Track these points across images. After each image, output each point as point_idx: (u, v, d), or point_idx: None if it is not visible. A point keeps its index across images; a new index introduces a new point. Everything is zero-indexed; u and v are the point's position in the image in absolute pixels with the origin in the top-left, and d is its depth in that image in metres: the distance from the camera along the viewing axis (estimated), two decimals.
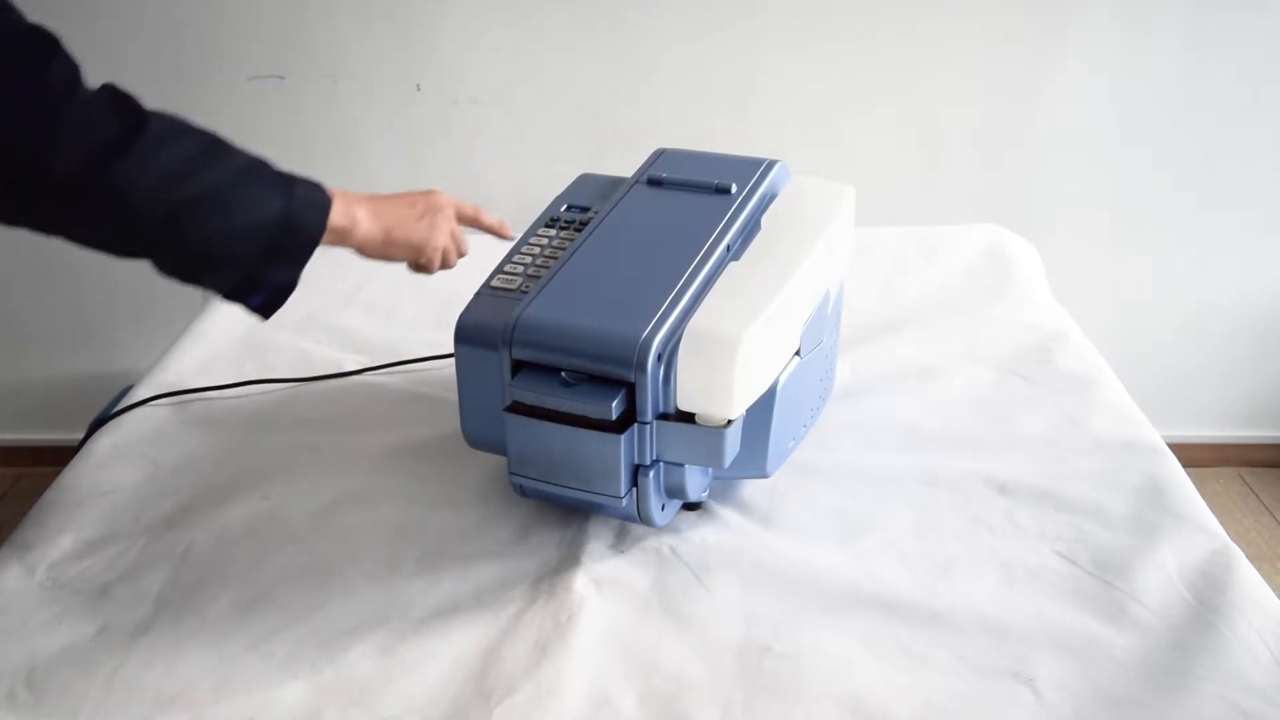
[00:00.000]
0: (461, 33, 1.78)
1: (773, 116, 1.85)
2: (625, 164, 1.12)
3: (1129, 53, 1.80)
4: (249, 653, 0.84)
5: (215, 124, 0.83)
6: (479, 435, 0.98)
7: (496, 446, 0.96)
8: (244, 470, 1.08)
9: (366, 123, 1.85)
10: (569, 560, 0.93)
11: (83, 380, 2.07)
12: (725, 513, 0.99)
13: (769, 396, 0.92)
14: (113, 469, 1.09)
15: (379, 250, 0.95)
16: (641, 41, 1.79)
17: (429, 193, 0.99)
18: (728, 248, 0.95)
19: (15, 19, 0.73)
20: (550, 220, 1.04)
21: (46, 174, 0.73)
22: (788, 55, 1.80)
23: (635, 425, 0.87)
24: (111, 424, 1.17)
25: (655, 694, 0.79)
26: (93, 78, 0.76)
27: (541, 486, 0.93)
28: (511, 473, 0.94)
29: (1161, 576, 0.89)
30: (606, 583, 0.91)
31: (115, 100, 0.77)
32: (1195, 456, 1.91)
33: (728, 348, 0.84)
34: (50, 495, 1.05)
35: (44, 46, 0.73)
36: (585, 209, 1.04)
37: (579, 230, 1.01)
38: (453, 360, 0.95)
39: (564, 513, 0.99)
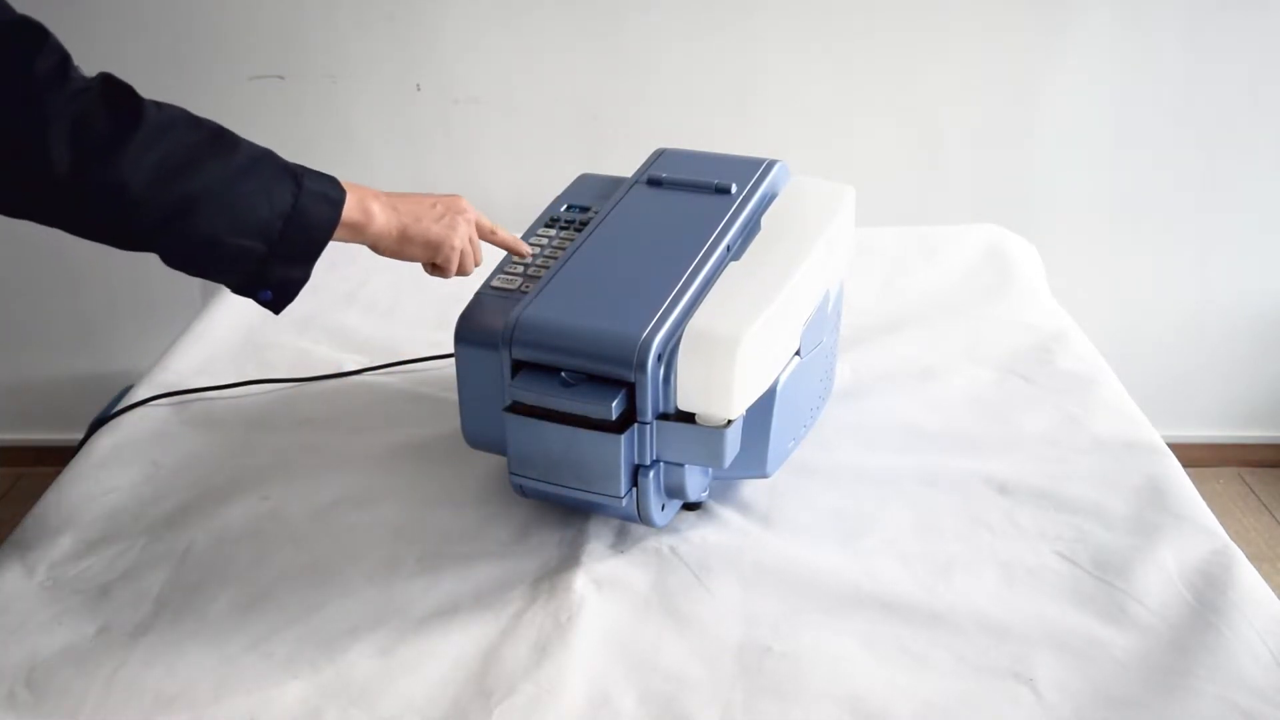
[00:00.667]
0: (461, 33, 1.78)
1: (773, 116, 1.85)
2: (625, 164, 1.12)
3: (1129, 53, 1.79)
4: (249, 653, 0.84)
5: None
6: (479, 435, 0.98)
7: (496, 446, 0.96)
8: (244, 470, 1.08)
9: (366, 123, 1.85)
10: (569, 560, 0.93)
11: (83, 380, 2.07)
12: (725, 513, 0.99)
13: (769, 396, 0.92)
14: (113, 469, 1.09)
15: (394, 247, 0.92)
16: (641, 41, 1.79)
17: (451, 195, 0.97)
18: (728, 248, 0.95)
19: (1, 9, 0.72)
20: (550, 220, 1.04)
21: (40, 168, 0.71)
22: (788, 55, 1.80)
23: (635, 425, 0.87)
24: (111, 424, 1.17)
25: (655, 694, 0.79)
26: (92, 74, 0.76)
27: (541, 486, 0.93)
28: (511, 473, 0.94)
29: (1161, 576, 0.89)
30: (606, 583, 0.91)
31: (109, 91, 0.75)
32: (1195, 456, 1.91)
33: (728, 348, 0.84)
34: (50, 495, 1.05)
35: (32, 38, 0.72)
36: (585, 209, 1.04)
37: (579, 230, 1.01)
38: (453, 360, 0.95)
39: (564, 513, 0.99)
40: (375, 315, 1.43)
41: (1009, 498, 1.01)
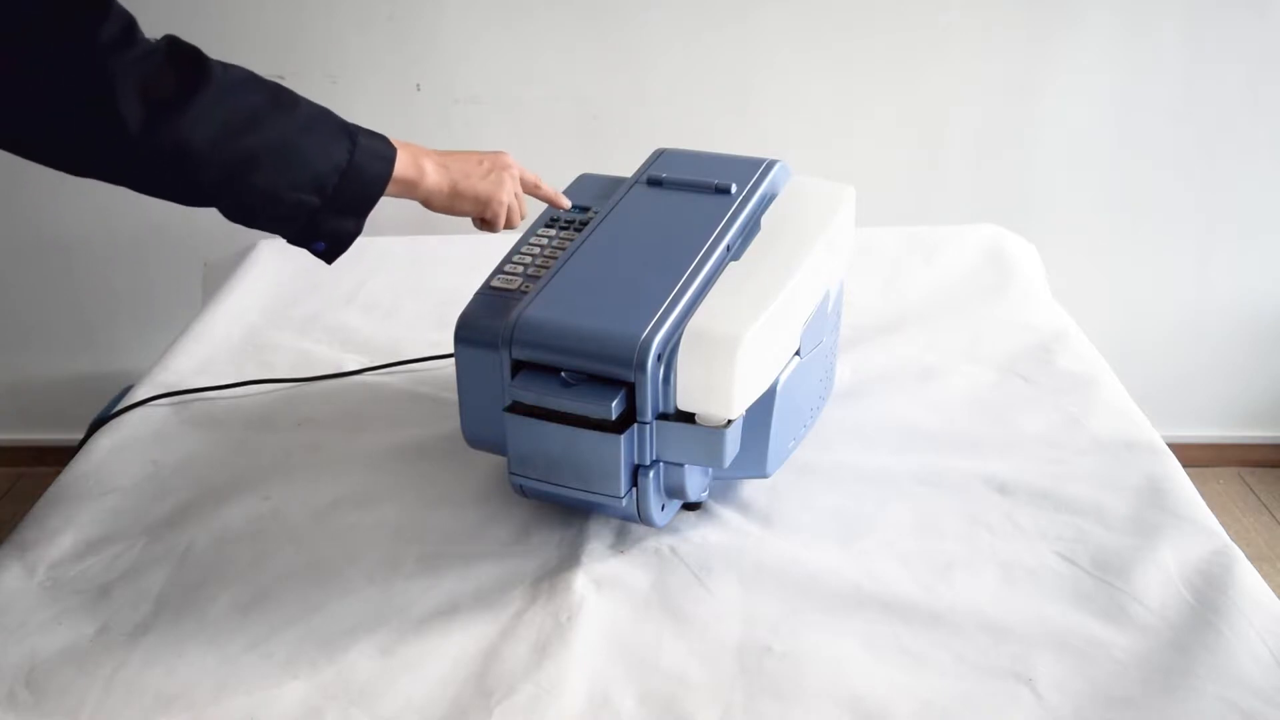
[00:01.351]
0: (461, 33, 1.78)
1: (773, 116, 1.85)
2: (625, 164, 1.12)
3: (1129, 53, 1.79)
4: (249, 653, 0.84)
5: None
6: (479, 435, 0.98)
7: (496, 446, 0.96)
8: (244, 470, 1.08)
9: (366, 123, 1.83)
10: (569, 560, 0.93)
11: (83, 380, 2.07)
12: (725, 513, 0.99)
13: (769, 396, 0.92)
14: (113, 469, 1.09)
15: (446, 202, 0.95)
16: (641, 41, 1.79)
17: (497, 152, 1.01)
18: (728, 248, 0.95)
19: None
20: (550, 220, 1.04)
21: (111, 128, 0.73)
22: (788, 55, 1.80)
23: (635, 425, 0.87)
24: (111, 424, 1.17)
25: (655, 694, 0.79)
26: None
27: (541, 486, 0.93)
28: (511, 473, 0.94)
29: (1161, 576, 0.89)
30: (606, 583, 0.91)
31: (174, 53, 0.77)
32: (1195, 456, 1.92)
33: (728, 348, 0.84)
34: (50, 495, 1.05)
35: (95, 4, 0.74)
36: (585, 209, 1.04)
37: (579, 230, 1.01)
38: (453, 360, 0.95)
39: (564, 513, 0.99)
40: (375, 315, 1.43)
41: (1009, 498, 1.01)
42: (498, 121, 1.85)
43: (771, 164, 1.04)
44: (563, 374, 0.88)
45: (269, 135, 0.80)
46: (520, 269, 0.98)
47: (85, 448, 1.14)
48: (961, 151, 1.88)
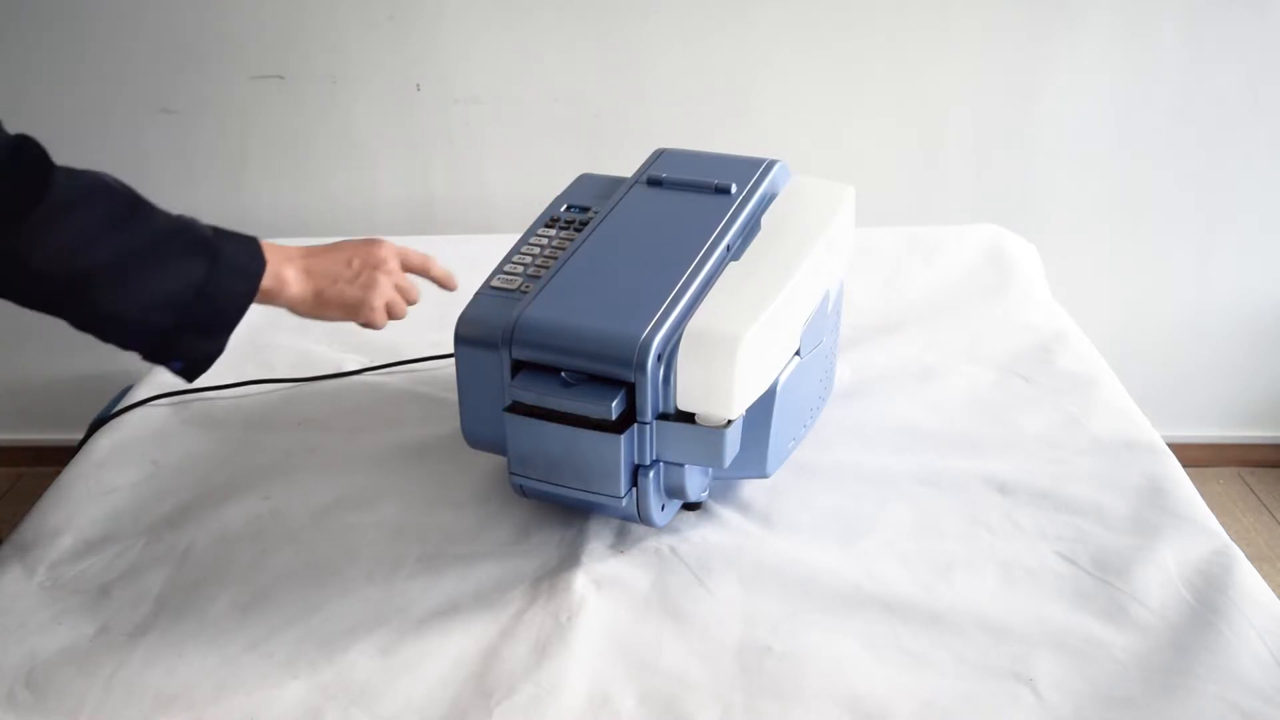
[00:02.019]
0: (461, 33, 1.78)
1: (773, 116, 1.85)
2: (625, 164, 1.12)
3: (1129, 53, 1.79)
4: (249, 653, 0.84)
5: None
6: (479, 435, 0.98)
7: (496, 446, 0.96)
8: (244, 470, 1.08)
9: (367, 123, 1.84)
10: (569, 560, 0.93)
11: (83, 380, 2.07)
12: (725, 513, 0.99)
13: (769, 396, 0.92)
14: (113, 469, 1.09)
15: (312, 311, 0.91)
16: (641, 41, 1.79)
17: (368, 245, 0.94)
18: (728, 248, 0.95)
19: None
20: (550, 220, 1.04)
21: None
22: (788, 55, 1.80)
23: (635, 425, 0.87)
24: (111, 424, 1.17)
25: (655, 694, 0.79)
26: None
27: (541, 486, 0.93)
28: (511, 473, 0.94)
29: (1161, 576, 0.89)
30: (606, 583, 0.91)
31: (18, 158, 0.74)
32: (1195, 456, 1.91)
33: (728, 348, 0.84)
34: (50, 495, 1.05)
35: None
36: (585, 209, 1.04)
37: (579, 230, 1.01)
38: (453, 360, 0.95)
39: (564, 513, 0.99)
40: None
41: (1009, 498, 1.01)
42: (498, 121, 1.85)
43: (771, 164, 1.04)
44: (563, 374, 0.88)
45: (111, 252, 0.76)
46: (520, 269, 0.97)
47: (85, 448, 1.14)
48: (961, 152, 1.88)
